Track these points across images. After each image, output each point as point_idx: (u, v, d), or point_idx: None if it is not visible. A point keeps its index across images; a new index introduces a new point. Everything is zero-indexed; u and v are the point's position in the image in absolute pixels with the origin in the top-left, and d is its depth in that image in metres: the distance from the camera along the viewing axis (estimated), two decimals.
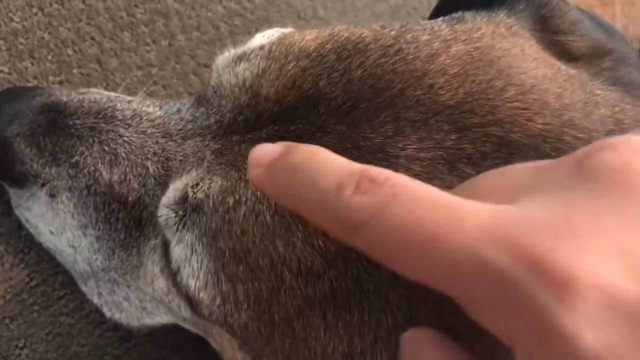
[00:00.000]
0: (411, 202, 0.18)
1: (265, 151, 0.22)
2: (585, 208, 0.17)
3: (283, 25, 0.50)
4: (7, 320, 0.39)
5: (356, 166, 0.20)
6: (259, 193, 0.28)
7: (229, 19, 0.51)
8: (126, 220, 0.34)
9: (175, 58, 0.48)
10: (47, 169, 0.34)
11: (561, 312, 0.16)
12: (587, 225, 0.17)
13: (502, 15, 0.33)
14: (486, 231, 0.17)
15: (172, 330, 0.42)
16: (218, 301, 0.29)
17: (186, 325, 0.38)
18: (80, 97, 0.35)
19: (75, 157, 0.34)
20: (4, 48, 0.41)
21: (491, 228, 0.17)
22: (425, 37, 0.30)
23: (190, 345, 0.44)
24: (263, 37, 0.35)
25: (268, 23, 0.52)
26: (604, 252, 0.16)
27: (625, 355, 0.16)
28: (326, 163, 0.20)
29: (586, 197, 0.17)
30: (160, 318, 0.38)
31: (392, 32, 0.31)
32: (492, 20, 0.32)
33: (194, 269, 0.29)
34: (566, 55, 0.32)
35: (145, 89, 0.44)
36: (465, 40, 0.30)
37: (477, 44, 0.30)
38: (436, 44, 0.30)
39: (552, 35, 0.32)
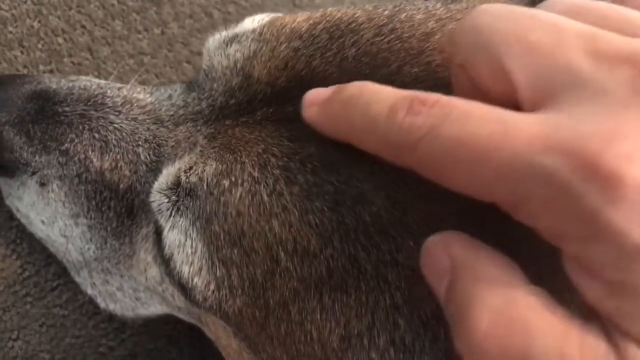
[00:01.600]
0: (462, 118, 0.20)
1: (318, 92, 0.25)
2: (636, 119, 0.18)
3: (277, 12, 0.49)
4: None
5: (405, 92, 0.22)
6: (255, 174, 0.28)
7: (222, 6, 0.50)
8: (118, 209, 0.34)
9: (167, 46, 0.47)
10: (36, 157, 0.34)
11: (610, 210, 0.17)
12: (637, 136, 0.18)
13: None
14: (538, 138, 0.18)
15: (167, 321, 0.42)
16: (212, 287, 0.29)
17: (181, 315, 0.38)
18: (70, 84, 0.35)
19: (65, 145, 0.33)
20: None
21: (543, 135, 0.18)
22: (419, 17, 0.30)
23: (185, 336, 0.44)
24: (253, 22, 0.34)
25: (262, 10, 0.51)
26: None
27: None
28: (376, 92, 0.22)
29: (637, 112, 0.18)
30: (154, 308, 0.38)
31: (386, 12, 0.30)
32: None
33: (188, 255, 0.29)
34: None
35: (137, 77, 0.44)
36: (461, 19, 0.30)
37: None
38: (431, 22, 0.29)
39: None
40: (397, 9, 0.31)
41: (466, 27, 0.22)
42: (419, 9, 0.31)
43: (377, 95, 0.22)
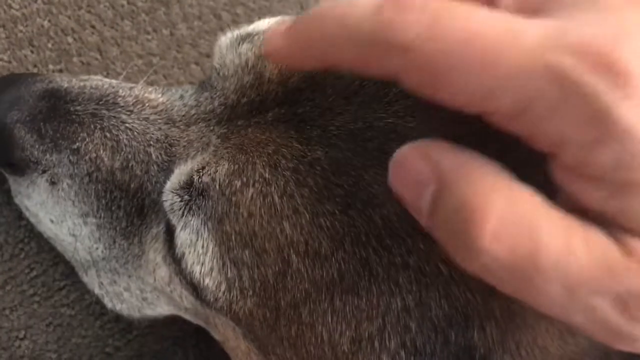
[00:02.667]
0: (465, 16, 0.18)
1: (276, 27, 0.21)
2: (633, 20, 0.17)
3: (285, 15, 0.49)
4: (7, 312, 0.39)
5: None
6: (267, 175, 0.28)
7: (231, 8, 0.50)
8: (128, 208, 0.34)
9: (176, 47, 0.47)
10: (47, 156, 0.34)
11: (621, 107, 0.17)
12: (638, 34, 0.17)
13: None
14: (549, 38, 0.17)
15: (173, 322, 0.42)
16: (223, 287, 0.29)
17: (187, 316, 0.37)
18: (82, 83, 0.35)
19: (77, 144, 0.33)
20: (3, 36, 0.40)
21: (553, 36, 0.17)
22: None
23: (191, 337, 0.44)
24: (265, 23, 0.34)
25: (270, 12, 0.51)
26: None
27: None
28: (352, 3, 0.19)
29: (632, 14, 0.18)
30: (161, 309, 0.38)
31: None
32: None
33: (199, 254, 0.29)
34: None
35: (145, 78, 0.44)
36: None
37: None
38: None
39: None
40: None
41: None
42: None
43: (353, 5, 0.19)
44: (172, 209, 0.30)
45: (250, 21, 0.51)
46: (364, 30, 0.18)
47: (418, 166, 0.20)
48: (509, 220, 0.18)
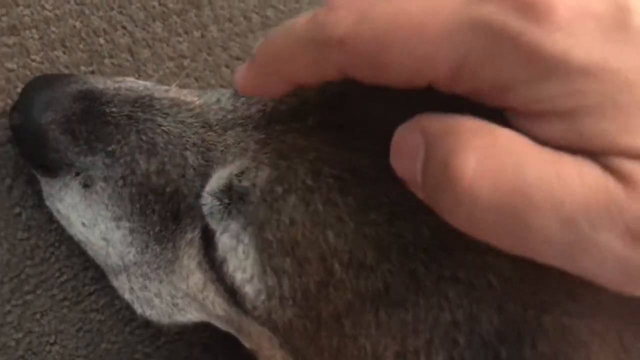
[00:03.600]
0: (389, 1, 0.19)
1: (241, 66, 0.24)
2: None
3: None
4: (37, 316, 0.38)
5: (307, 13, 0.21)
6: (309, 182, 0.27)
7: (260, 10, 0.49)
8: (162, 213, 0.33)
9: (207, 50, 0.47)
10: (81, 158, 0.33)
11: (549, 39, 0.17)
12: None
13: None
14: None
15: (202, 329, 0.41)
16: (263, 296, 0.28)
17: (218, 323, 0.37)
18: (116, 85, 0.34)
19: (112, 146, 0.33)
20: (36, 36, 0.40)
21: None
22: None
23: (220, 344, 0.43)
24: None
25: (300, 14, 0.51)
26: None
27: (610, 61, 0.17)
28: (291, 21, 0.21)
29: None
30: (191, 315, 0.37)
31: None
32: None
33: (240, 261, 0.28)
34: None
35: (178, 81, 0.43)
36: None
37: None
38: None
39: None
40: None
41: None
42: None
43: (293, 22, 0.21)
44: (212, 212, 0.29)
45: (280, 24, 0.51)
46: (305, 36, 0.20)
47: (410, 136, 0.20)
48: (491, 155, 0.18)
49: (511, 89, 0.18)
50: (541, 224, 0.17)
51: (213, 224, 0.29)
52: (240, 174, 0.29)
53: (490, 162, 0.18)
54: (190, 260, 0.33)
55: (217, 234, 0.29)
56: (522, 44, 0.17)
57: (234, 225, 0.28)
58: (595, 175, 0.17)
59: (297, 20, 0.21)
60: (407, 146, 0.20)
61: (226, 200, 0.29)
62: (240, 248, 0.28)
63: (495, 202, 0.18)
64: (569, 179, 0.17)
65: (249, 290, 0.28)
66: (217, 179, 0.30)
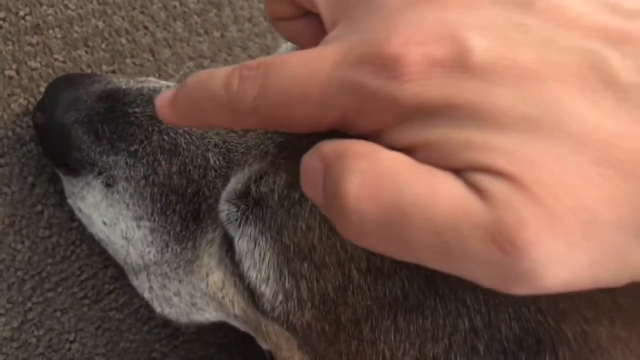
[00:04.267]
0: (280, 69, 0.22)
1: (165, 95, 0.26)
2: (407, 19, 0.21)
3: None
4: (58, 314, 0.38)
5: (234, 66, 0.24)
6: None
7: None
8: (183, 213, 0.33)
9: (227, 50, 0.47)
10: (104, 157, 0.33)
11: (401, 89, 0.20)
12: (408, 29, 0.20)
13: None
14: (335, 59, 0.21)
15: (219, 329, 0.41)
16: (280, 297, 0.28)
17: (235, 323, 0.37)
18: (139, 85, 0.34)
19: (134, 146, 0.33)
20: (59, 36, 0.40)
21: (338, 54, 0.21)
22: None
23: (237, 345, 0.43)
24: None
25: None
26: (420, 26, 0.20)
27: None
28: (210, 76, 0.24)
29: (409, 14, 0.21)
30: (209, 315, 0.37)
31: None
32: None
33: (256, 262, 0.28)
34: None
35: None
36: None
37: None
38: None
39: None
40: None
41: None
42: None
43: (212, 79, 0.24)
44: (229, 219, 0.29)
45: None
46: (224, 103, 0.23)
47: (313, 163, 0.22)
48: (372, 177, 0.20)
49: (384, 133, 0.21)
50: (417, 236, 0.19)
51: (231, 231, 0.30)
52: (259, 179, 0.29)
53: (372, 182, 0.20)
54: (210, 259, 0.34)
55: (236, 240, 0.29)
56: (381, 98, 0.20)
57: (251, 230, 0.29)
58: (458, 190, 0.19)
59: (214, 77, 0.24)
60: (311, 172, 0.22)
61: (243, 206, 0.29)
62: (257, 250, 0.28)
63: (378, 219, 0.20)
64: (438, 194, 0.19)
65: (265, 290, 0.28)
66: (235, 183, 0.30)
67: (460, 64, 0.19)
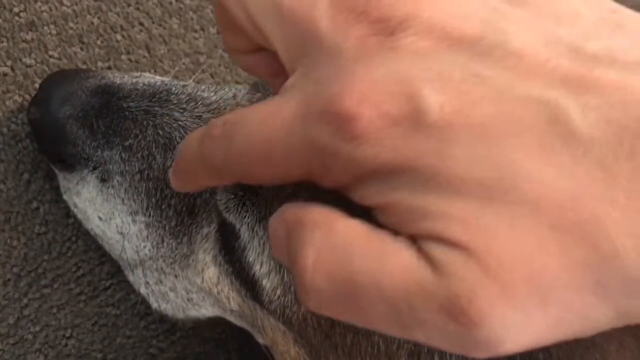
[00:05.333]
0: (242, 129, 0.22)
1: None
2: (361, 72, 0.20)
3: None
4: (54, 310, 0.38)
5: (204, 127, 0.24)
6: None
7: None
8: (178, 207, 0.33)
9: (222, 46, 0.47)
10: (99, 152, 0.33)
11: (358, 150, 0.19)
12: (362, 85, 0.19)
13: None
14: (292, 116, 0.21)
15: (216, 325, 0.41)
16: (279, 291, 0.28)
17: (232, 319, 0.37)
18: (134, 80, 0.34)
19: (129, 141, 0.33)
20: (54, 32, 0.40)
21: (294, 109, 0.21)
22: None
23: (233, 340, 0.43)
24: None
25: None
26: (374, 82, 0.19)
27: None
28: (190, 138, 0.25)
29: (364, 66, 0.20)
30: (205, 310, 0.37)
31: None
32: None
33: (258, 254, 0.28)
34: None
35: (195, 77, 0.43)
36: None
37: None
38: None
39: None
40: None
41: None
42: None
43: (189, 143, 0.25)
44: (227, 206, 0.29)
45: None
46: (197, 163, 0.24)
47: (278, 227, 0.22)
48: (326, 250, 0.20)
49: (347, 190, 0.21)
50: (372, 308, 0.19)
51: (231, 218, 0.30)
52: None
53: (326, 257, 0.20)
54: (205, 254, 0.34)
55: (237, 226, 0.29)
56: (341, 159, 0.20)
57: (250, 219, 0.29)
58: (411, 261, 0.19)
59: (190, 141, 0.25)
60: (276, 238, 0.22)
61: (240, 192, 0.29)
62: (256, 241, 0.28)
63: (333, 292, 0.20)
64: (390, 264, 0.19)
65: (266, 283, 0.28)
66: None
67: (416, 123, 0.19)
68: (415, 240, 0.19)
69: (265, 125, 0.21)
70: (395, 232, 0.20)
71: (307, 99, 0.20)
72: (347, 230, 0.20)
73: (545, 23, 0.20)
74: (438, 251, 0.18)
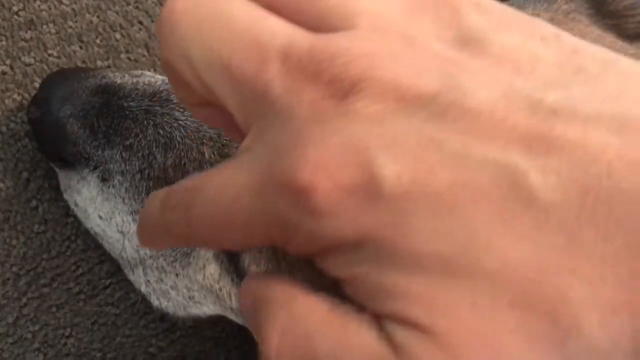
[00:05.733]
0: (201, 198, 0.21)
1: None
2: (315, 139, 0.19)
3: None
4: (53, 309, 0.38)
5: (165, 191, 0.23)
6: None
7: None
8: None
9: None
10: (99, 152, 0.33)
11: (317, 225, 0.18)
12: (317, 152, 0.18)
13: (560, 2, 0.32)
14: (253, 187, 0.20)
15: (216, 323, 0.41)
16: None
17: (232, 316, 0.37)
18: (134, 79, 0.34)
19: (130, 140, 0.33)
20: (53, 31, 0.40)
21: (249, 180, 0.20)
22: None
23: (234, 339, 0.43)
24: None
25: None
26: (328, 152, 0.18)
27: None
28: (150, 203, 0.23)
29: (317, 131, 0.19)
30: (206, 308, 0.37)
31: None
32: (551, 7, 0.32)
33: (255, 255, 0.28)
34: (623, 36, 0.31)
35: None
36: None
37: None
38: None
39: (607, 19, 0.32)
40: None
41: (164, 21, 0.20)
42: None
43: (149, 211, 0.23)
44: None
45: None
46: (162, 232, 0.23)
47: (247, 302, 0.22)
48: (289, 334, 0.19)
49: (314, 260, 0.20)
50: None
51: None
52: None
53: (288, 338, 0.19)
54: (206, 251, 0.34)
55: None
56: (301, 232, 0.19)
57: None
58: (371, 341, 0.18)
59: (152, 206, 0.23)
60: (245, 306, 0.22)
61: None
62: None
63: None
64: (352, 346, 0.19)
65: None
66: None
67: (372, 194, 0.18)
68: (379, 318, 0.19)
69: (223, 194, 0.20)
70: (361, 306, 0.19)
71: (263, 168, 0.19)
72: (310, 310, 0.19)
73: (503, 73, 0.19)
74: (399, 333, 0.18)
